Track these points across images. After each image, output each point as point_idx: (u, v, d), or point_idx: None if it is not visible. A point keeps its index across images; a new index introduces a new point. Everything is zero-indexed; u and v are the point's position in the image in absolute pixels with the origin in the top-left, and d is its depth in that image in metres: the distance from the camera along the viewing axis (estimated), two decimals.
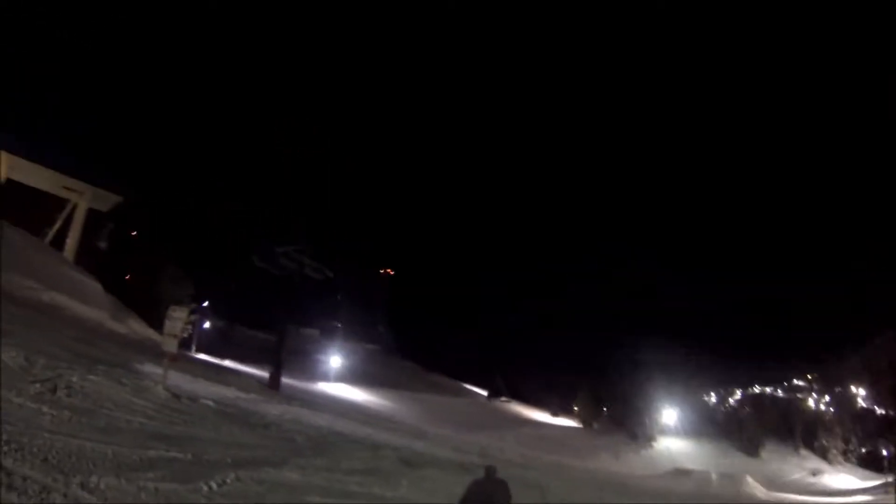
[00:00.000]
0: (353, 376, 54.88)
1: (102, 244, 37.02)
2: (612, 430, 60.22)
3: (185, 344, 42.08)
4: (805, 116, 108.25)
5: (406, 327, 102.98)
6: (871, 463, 62.80)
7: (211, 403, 12.29)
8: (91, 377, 9.68)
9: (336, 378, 52.27)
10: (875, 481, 47.77)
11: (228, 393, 15.76)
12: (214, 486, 6.17)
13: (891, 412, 61.05)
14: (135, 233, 43.92)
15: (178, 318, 12.43)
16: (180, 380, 14.32)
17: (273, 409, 15.53)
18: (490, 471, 12.06)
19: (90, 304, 22.59)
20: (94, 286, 25.99)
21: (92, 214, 34.25)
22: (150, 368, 13.47)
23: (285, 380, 30.41)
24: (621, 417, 64.18)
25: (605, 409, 71.40)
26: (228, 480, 6.53)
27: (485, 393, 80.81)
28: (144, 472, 5.83)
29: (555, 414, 72.97)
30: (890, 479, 42.78)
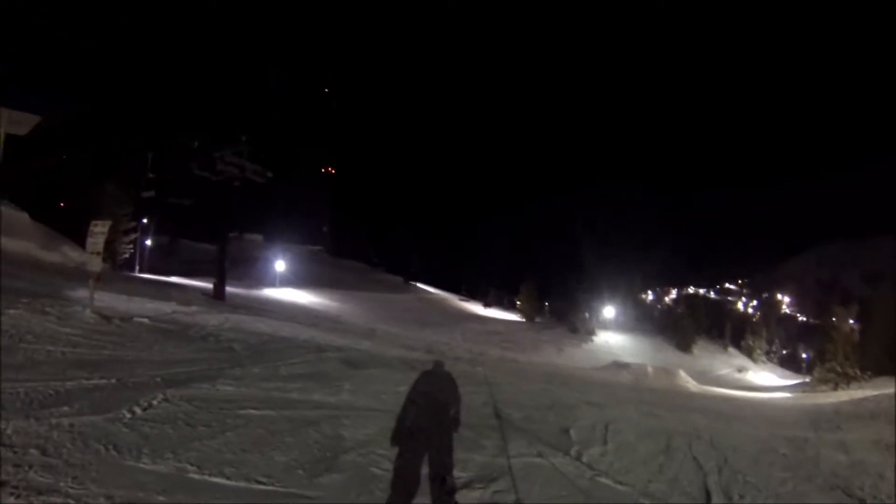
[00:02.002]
0: (298, 279, 54.71)
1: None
2: (554, 325, 61.68)
3: (127, 263, 41.39)
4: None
5: (350, 226, 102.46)
6: (790, 363, 67.22)
7: (146, 321, 11.80)
8: (10, 311, 9.12)
9: (282, 282, 51.98)
10: (794, 380, 50.63)
11: (167, 308, 15.22)
12: (139, 410, 5.82)
13: (811, 319, 65.34)
14: (65, 155, 41.48)
15: (99, 234, 11.50)
16: (115, 300, 13.78)
17: (213, 319, 15.01)
18: (437, 366, 12.12)
19: (16, 236, 21.17)
20: (20, 216, 24.39)
21: (10, 140, 31.45)
22: (81, 294, 12.74)
23: (231, 289, 29.83)
24: (563, 312, 65.77)
25: (546, 304, 73.04)
26: (155, 402, 6.19)
27: (437, 290, 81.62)
28: (59, 408, 5.43)
29: (487, 305, 74.40)
30: (807, 379, 45.34)
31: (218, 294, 26.43)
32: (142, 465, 4.62)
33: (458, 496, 5.32)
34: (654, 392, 20.55)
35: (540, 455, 7.15)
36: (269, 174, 29.78)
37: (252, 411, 6.62)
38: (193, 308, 16.56)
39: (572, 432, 8.82)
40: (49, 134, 31.24)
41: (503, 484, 5.81)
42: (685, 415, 13.72)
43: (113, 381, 6.73)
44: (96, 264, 11.68)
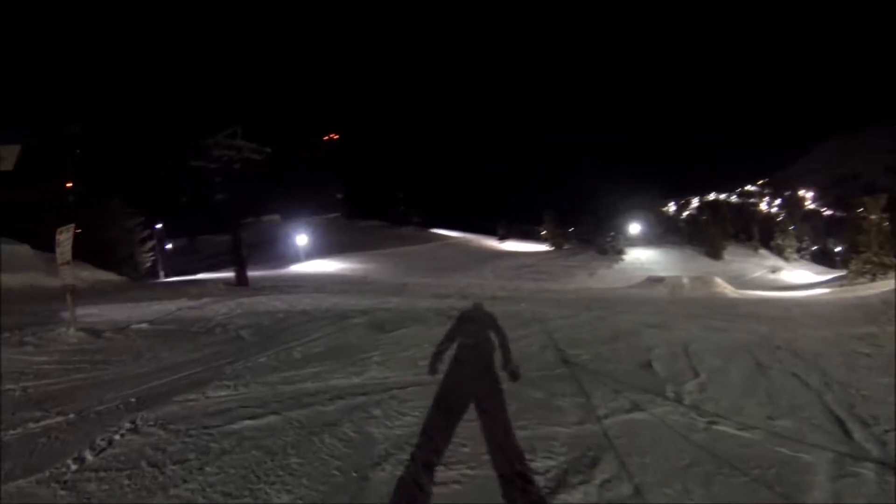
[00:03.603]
0: (320, 250, 53.32)
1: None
2: (582, 249, 60.22)
3: (151, 272, 40.46)
4: None
5: (361, 187, 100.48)
6: (822, 259, 65.14)
7: (144, 326, 10.15)
8: None
9: (306, 256, 50.43)
10: (828, 275, 48.63)
11: (173, 306, 13.52)
12: (90, 455, 4.06)
13: (837, 212, 63.24)
14: (70, 183, 40.33)
15: (65, 241, 9.82)
16: (117, 311, 12.31)
17: (223, 308, 13.28)
18: (476, 309, 10.91)
19: (17, 270, 19.61)
20: (20, 249, 22.85)
21: None
22: (78, 312, 11.01)
23: (255, 273, 28.68)
24: (588, 235, 64.24)
25: (571, 229, 71.28)
26: (118, 437, 4.44)
27: (459, 233, 79.76)
28: None
29: (502, 239, 72.74)
30: (843, 273, 43.67)
31: (240, 280, 25.26)
32: None
33: (555, 500, 3.54)
34: (698, 303, 18.99)
35: (636, 407, 5.37)
36: (268, 150, 28.27)
37: (248, 422, 4.79)
38: (204, 300, 14.83)
39: (655, 366, 7.12)
40: (34, 160, 29.77)
41: (608, 465, 4.03)
42: (744, 323, 12.05)
43: (71, 415, 5.00)
44: (68, 275, 9.98)
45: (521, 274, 43.27)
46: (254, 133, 27.97)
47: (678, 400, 5.70)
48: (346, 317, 11.18)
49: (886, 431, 4.93)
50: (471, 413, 4.95)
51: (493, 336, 7.85)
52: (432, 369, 6.51)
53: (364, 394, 5.72)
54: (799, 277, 53.31)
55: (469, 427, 4.63)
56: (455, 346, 7.40)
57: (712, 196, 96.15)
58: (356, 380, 6.33)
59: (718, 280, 31.19)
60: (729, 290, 28.90)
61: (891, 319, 11.91)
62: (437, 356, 7.05)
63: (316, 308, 13.02)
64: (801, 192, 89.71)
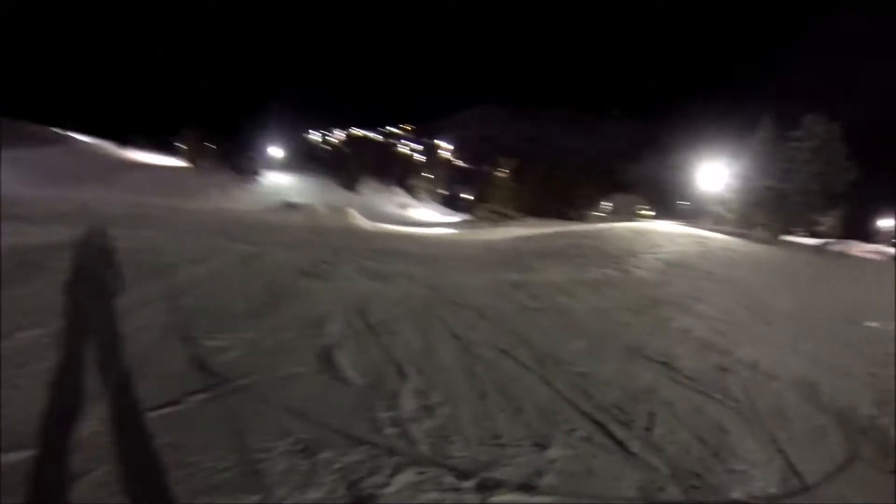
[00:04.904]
0: None
1: None
2: (220, 168, 55.66)
3: None
4: None
5: None
6: (450, 203, 71.01)
7: None
8: None
9: None
10: (453, 217, 53.01)
11: None
12: None
13: (471, 166, 72.29)
14: None
15: None
16: None
17: None
18: (92, 242, 8.49)
19: None
20: None
21: None
22: None
23: None
24: (228, 154, 59.98)
25: (212, 146, 65.92)
26: None
27: (89, 139, 67.29)
28: None
29: (135, 148, 64.36)
30: (468, 217, 48.67)
31: None
32: None
33: None
34: (337, 234, 18.24)
35: (355, 490, 2.69)
36: None
37: None
38: None
39: (341, 359, 4.58)
40: None
41: None
42: (399, 265, 10.80)
43: None
44: None
45: (154, 189, 37.72)
46: None
47: (409, 445, 3.23)
48: None
49: (647, 429, 3.75)
50: None
51: (95, 318, 4.67)
52: None
53: None
54: (426, 216, 57.00)
55: None
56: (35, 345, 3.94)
57: (357, 130, 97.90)
58: None
59: (353, 211, 31.11)
60: (364, 223, 28.91)
61: (526, 268, 11.93)
62: None
63: None
64: (443, 143, 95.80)
